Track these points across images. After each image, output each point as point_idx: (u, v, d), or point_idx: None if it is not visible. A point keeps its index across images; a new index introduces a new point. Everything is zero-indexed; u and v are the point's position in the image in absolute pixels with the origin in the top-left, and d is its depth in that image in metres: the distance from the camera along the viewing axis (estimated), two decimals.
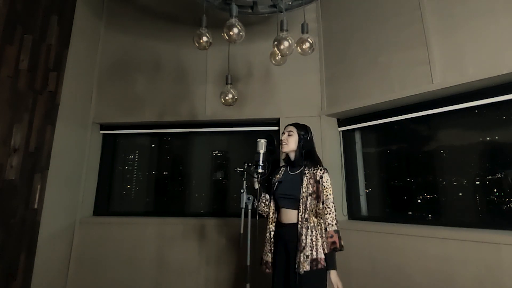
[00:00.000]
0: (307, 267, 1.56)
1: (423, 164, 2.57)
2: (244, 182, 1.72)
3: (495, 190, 2.17)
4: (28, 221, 2.40)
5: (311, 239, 1.61)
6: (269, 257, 1.74)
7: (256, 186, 1.79)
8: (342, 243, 1.63)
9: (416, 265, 2.14)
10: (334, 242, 1.60)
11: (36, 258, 2.45)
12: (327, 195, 1.67)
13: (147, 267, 2.83)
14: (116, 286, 2.81)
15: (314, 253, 1.59)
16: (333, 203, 1.67)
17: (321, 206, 1.66)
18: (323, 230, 1.63)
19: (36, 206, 2.46)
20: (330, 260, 1.60)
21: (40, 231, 2.49)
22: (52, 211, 2.61)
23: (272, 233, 1.77)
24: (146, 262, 2.84)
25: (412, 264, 2.16)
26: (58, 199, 2.69)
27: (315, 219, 1.67)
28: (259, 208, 1.86)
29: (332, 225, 1.63)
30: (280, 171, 1.89)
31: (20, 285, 2.31)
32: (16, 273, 2.28)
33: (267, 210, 1.85)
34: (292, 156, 1.83)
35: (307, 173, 1.73)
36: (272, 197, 1.83)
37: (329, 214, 1.64)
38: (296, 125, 1.85)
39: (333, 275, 1.60)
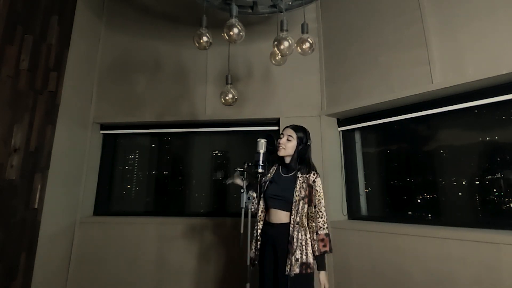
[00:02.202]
0: (297, 270, 1.59)
1: (423, 164, 2.57)
2: (244, 182, 1.72)
3: (495, 190, 2.18)
4: (28, 221, 2.41)
5: (301, 243, 1.65)
6: (253, 254, 1.77)
7: (242, 183, 1.73)
8: (331, 245, 1.68)
9: (416, 264, 2.14)
10: (325, 245, 1.66)
11: (37, 258, 2.45)
12: (319, 199, 1.72)
13: (147, 266, 2.83)
14: (116, 285, 2.81)
15: (304, 257, 1.63)
16: (324, 207, 1.73)
17: (313, 209, 1.70)
18: (314, 234, 1.68)
19: (36, 206, 2.46)
20: (321, 262, 1.65)
21: (40, 230, 2.50)
22: (53, 211, 2.62)
23: (259, 231, 1.80)
24: (146, 261, 2.84)
25: (412, 263, 2.16)
26: (59, 199, 2.70)
27: (307, 223, 1.70)
28: (252, 209, 1.82)
29: (324, 228, 1.68)
30: (271, 171, 1.88)
31: (20, 285, 2.31)
32: (16, 272, 2.29)
33: (254, 209, 1.84)
34: (287, 159, 1.83)
35: (300, 177, 1.74)
36: (262, 196, 1.81)
37: (321, 217, 1.69)
38: (296, 129, 1.83)
39: (322, 275, 1.65)
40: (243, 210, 1.66)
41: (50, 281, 2.62)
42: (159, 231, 2.90)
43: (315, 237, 1.67)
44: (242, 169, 1.73)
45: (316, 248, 1.65)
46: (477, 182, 2.26)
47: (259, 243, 1.78)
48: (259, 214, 1.82)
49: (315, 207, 1.70)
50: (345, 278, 2.50)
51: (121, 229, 2.94)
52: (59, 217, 2.72)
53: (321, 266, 1.65)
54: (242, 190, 1.70)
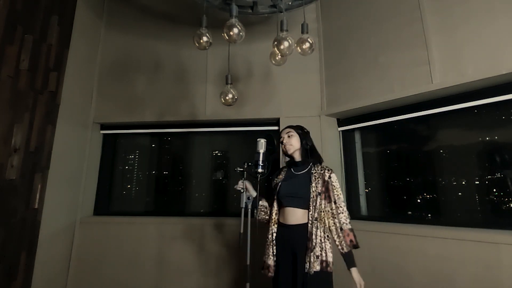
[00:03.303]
0: (317, 268, 1.54)
1: (422, 164, 2.57)
2: (245, 182, 1.72)
3: (495, 190, 2.18)
4: (28, 221, 2.41)
5: (321, 240, 1.60)
6: (271, 261, 1.67)
7: (246, 191, 1.73)
8: (357, 240, 1.63)
9: (416, 264, 2.15)
10: (351, 240, 1.61)
11: (37, 258, 2.45)
12: (338, 195, 1.68)
13: (147, 266, 2.83)
14: (116, 285, 2.81)
15: (324, 254, 1.58)
16: (344, 202, 1.68)
17: (333, 206, 1.66)
18: (339, 230, 1.62)
19: (36, 206, 2.46)
20: (350, 258, 1.60)
21: (40, 230, 2.50)
22: (53, 211, 2.62)
23: (275, 234, 1.72)
24: (146, 261, 2.84)
25: (412, 263, 2.17)
26: (59, 198, 2.70)
27: (328, 221, 1.65)
28: (259, 217, 1.82)
29: (347, 223, 1.63)
30: (281, 172, 1.86)
31: (20, 285, 2.31)
32: (16, 272, 2.29)
33: (267, 217, 1.82)
34: (297, 155, 1.80)
35: (314, 172, 1.71)
36: (275, 198, 1.79)
37: (342, 213, 1.65)
38: (291, 126, 1.86)
39: (355, 272, 1.59)
40: (243, 210, 1.66)
41: (50, 281, 2.62)
42: (159, 231, 2.90)
43: (340, 234, 1.62)
44: (242, 169, 1.73)
45: (344, 245, 1.60)
46: (477, 182, 2.26)
47: (275, 247, 1.70)
48: (273, 217, 1.75)
49: (335, 203, 1.66)
50: (344, 278, 2.49)
51: (121, 229, 2.94)
52: (59, 217, 2.73)
53: (351, 262, 1.59)
54: (242, 190, 1.70)
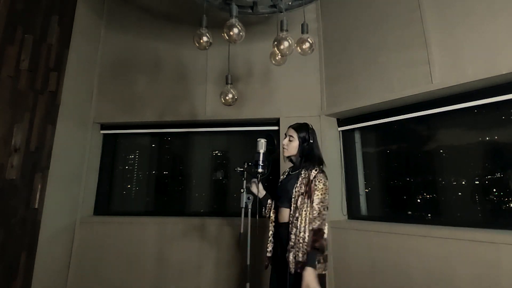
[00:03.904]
0: (295, 268, 1.57)
1: (422, 164, 2.57)
2: (244, 181, 1.73)
3: (495, 190, 2.18)
4: (28, 221, 2.41)
5: (299, 240, 1.58)
6: (267, 254, 1.79)
7: (259, 193, 1.80)
8: (322, 244, 1.54)
9: (415, 264, 2.15)
10: (315, 241, 1.53)
11: (37, 258, 2.46)
12: (318, 195, 1.62)
13: (148, 266, 2.83)
14: (116, 285, 2.81)
15: (300, 255, 1.56)
16: (323, 203, 1.61)
17: (312, 206, 1.62)
18: (308, 230, 1.59)
19: (36, 206, 2.47)
20: (309, 257, 1.52)
21: (40, 230, 2.50)
22: (53, 211, 2.62)
23: (271, 232, 1.82)
24: (147, 261, 2.84)
25: (411, 263, 2.17)
26: (59, 198, 2.70)
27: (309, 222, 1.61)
28: (268, 216, 1.91)
29: (316, 224, 1.56)
30: (285, 173, 1.92)
31: (20, 285, 2.31)
32: (16, 272, 2.29)
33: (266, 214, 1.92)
34: (293, 159, 1.85)
35: (303, 173, 1.72)
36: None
37: (317, 213, 1.58)
38: (297, 128, 1.83)
39: (307, 272, 1.47)
40: (243, 210, 1.67)
41: (51, 281, 2.62)
42: (159, 231, 2.90)
43: (309, 234, 1.57)
44: (242, 169, 1.74)
45: (309, 244, 1.55)
46: (476, 182, 2.26)
47: (271, 244, 1.80)
48: (271, 215, 1.85)
49: (312, 203, 1.61)
50: (344, 277, 2.50)
51: (121, 229, 2.94)
52: (59, 217, 2.73)
53: (308, 262, 1.50)
54: (242, 190, 1.71)
